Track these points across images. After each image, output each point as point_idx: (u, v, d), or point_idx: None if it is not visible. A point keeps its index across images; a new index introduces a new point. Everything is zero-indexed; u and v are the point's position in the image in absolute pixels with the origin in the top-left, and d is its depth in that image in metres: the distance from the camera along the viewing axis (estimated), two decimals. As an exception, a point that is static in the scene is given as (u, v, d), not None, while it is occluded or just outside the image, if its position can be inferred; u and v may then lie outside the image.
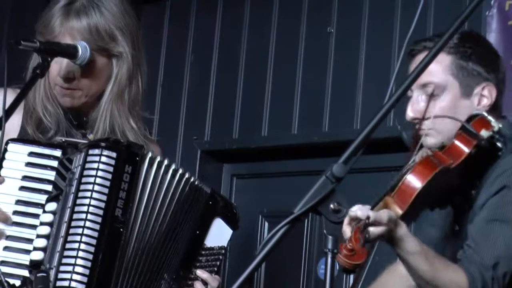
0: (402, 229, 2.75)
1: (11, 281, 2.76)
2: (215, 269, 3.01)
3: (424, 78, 2.86)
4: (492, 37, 4.31)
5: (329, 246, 2.08)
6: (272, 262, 4.79)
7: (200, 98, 5.30)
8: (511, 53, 4.27)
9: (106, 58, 3.09)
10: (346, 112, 4.78)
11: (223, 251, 3.03)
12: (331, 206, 2.05)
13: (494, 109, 3.05)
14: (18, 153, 2.85)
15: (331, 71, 4.91)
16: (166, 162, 2.98)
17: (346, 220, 2.70)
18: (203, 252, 3.01)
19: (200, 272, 2.98)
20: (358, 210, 2.67)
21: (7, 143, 2.80)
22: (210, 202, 3.03)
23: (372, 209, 2.77)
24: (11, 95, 2.92)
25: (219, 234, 3.03)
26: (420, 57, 2.99)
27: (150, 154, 2.95)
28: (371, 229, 2.69)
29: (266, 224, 5.12)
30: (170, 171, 2.98)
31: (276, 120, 5.07)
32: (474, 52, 3.02)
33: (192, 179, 3.02)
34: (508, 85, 4.20)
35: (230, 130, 5.18)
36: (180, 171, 3.01)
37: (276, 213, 4.91)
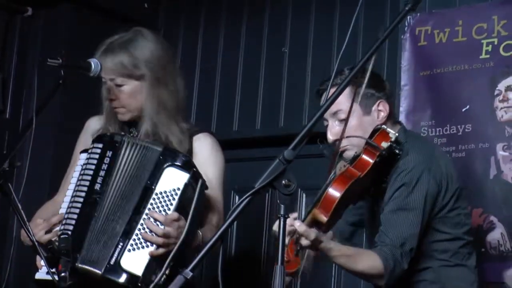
0: (325, 243, 2.77)
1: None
2: (169, 207, 2.96)
3: (333, 107, 2.85)
4: (406, 55, 4.28)
5: (282, 212, 2.05)
6: (241, 224, 4.81)
7: (187, 102, 5.24)
8: (420, 67, 4.25)
9: (135, 80, 3.14)
10: (296, 112, 4.78)
11: (178, 191, 2.97)
12: (283, 182, 2.04)
13: (390, 117, 3.08)
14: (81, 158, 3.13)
15: (285, 81, 4.89)
16: (137, 141, 3.05)
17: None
18: (154, 197, 2.97)
19: (150, 212, 2.94)
20: (296, 224, 2.67)
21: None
22: (161, 157, 3.01)
23: (303, 220, 2.77)
24: (97, 121, 3.28)
25: (172, 179, 2.97)
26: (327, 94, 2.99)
27: (127, 139, 3.03)
28: (302, 241, 2.70)
29: (237, 196, 5.09)
30: (138, 147, 3.02)
31: (244, 118, 5.05)
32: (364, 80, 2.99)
33: (144, 143, 3.04)
34: (418, 91, 4.22)
35: (209, 125, 5.11)
36: (141, 143, 3.04)
37: (244, 188, 4.82)
